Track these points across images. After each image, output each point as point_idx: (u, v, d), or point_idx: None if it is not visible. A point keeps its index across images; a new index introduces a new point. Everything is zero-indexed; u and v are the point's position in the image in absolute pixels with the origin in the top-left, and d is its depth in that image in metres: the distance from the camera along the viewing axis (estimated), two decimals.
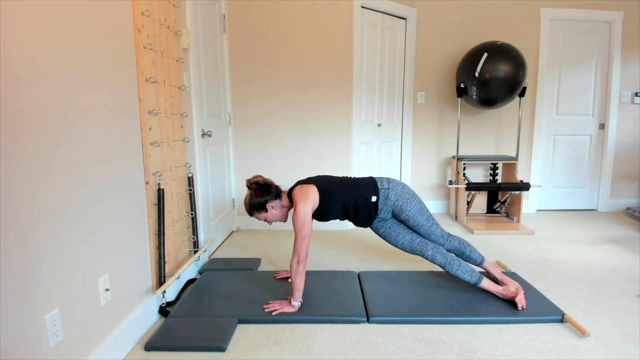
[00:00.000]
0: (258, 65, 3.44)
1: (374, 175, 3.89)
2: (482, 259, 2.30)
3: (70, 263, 1.39)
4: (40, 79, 1.26)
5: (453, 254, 2.27)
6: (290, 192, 2.16)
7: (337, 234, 3.50)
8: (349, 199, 2.12)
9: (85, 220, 1.48)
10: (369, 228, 3.65)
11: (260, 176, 2.15)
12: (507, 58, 3.46)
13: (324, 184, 2.12)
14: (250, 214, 2.15)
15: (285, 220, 2.23)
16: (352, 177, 2.49)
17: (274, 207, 2.13)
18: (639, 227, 3.69)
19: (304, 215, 1.97)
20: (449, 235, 2.27)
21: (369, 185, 2.15)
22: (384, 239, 2.26)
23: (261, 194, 2.10)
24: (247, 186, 2.15)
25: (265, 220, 2.18)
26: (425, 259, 2.20)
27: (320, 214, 2.13)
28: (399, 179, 3.82)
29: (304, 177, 3.62)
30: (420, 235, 2.22)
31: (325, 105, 3.51)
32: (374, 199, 2.12)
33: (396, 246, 2.23)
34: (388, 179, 2.20)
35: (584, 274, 2.58)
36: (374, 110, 3.80)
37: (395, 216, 2.21)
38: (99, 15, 1.57)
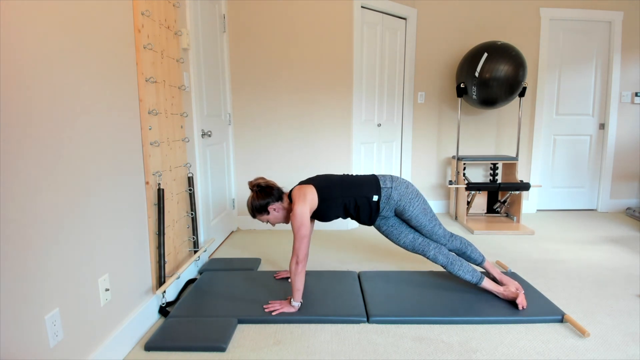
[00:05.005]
0: (258, 65, 3.44)
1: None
2: (483, 259, 2.30)
3: (70, 263, 1.39)
4: (41, 80, 1.25)
5: (454, 254, 2.27)
6: (290, 194, 2.16)
7: (337, 234, 3.50)
8: (349, 198, 2.11)
9: (85, 220, 1.47)
10: (369, 228, 3.65)
11: (262, 178, 2.15)
12: (507, 58, 3.46)
13: (323, 184, 2.11)
14: (253, 216, 2.15)
15: (287, 222, 2.22)
16: (354, 174, 2.48)
17: (276, 209, 2.13)
18: (639, 227, 3.69)
19: (302, 215, 1.97)
20: (451, 235, 2.27)
21: (371, 183, 2.14)
22: (386, 236, 2.26)
23: (263, 197, 2.10)
24: (250, 188, 2.15)
25: (268, 222, 2.18)
26: (427, 258, 2.20)
27: (320, 215, 2.13)
28: (403, 178, 3.81)
29: (304, 177, 3.62)
30: (423, 234, 2.22)
31: (325, 105, 3.50)
32: (375, 198, 2.12)
33: (398, 245, 2.23)
34: (392, 177, 2.19)
35: (584, 274, 2.58)
36: (374, 110, 3.80)
37: (398, 215, 2.20)
38: (99, 16, 1.57)
